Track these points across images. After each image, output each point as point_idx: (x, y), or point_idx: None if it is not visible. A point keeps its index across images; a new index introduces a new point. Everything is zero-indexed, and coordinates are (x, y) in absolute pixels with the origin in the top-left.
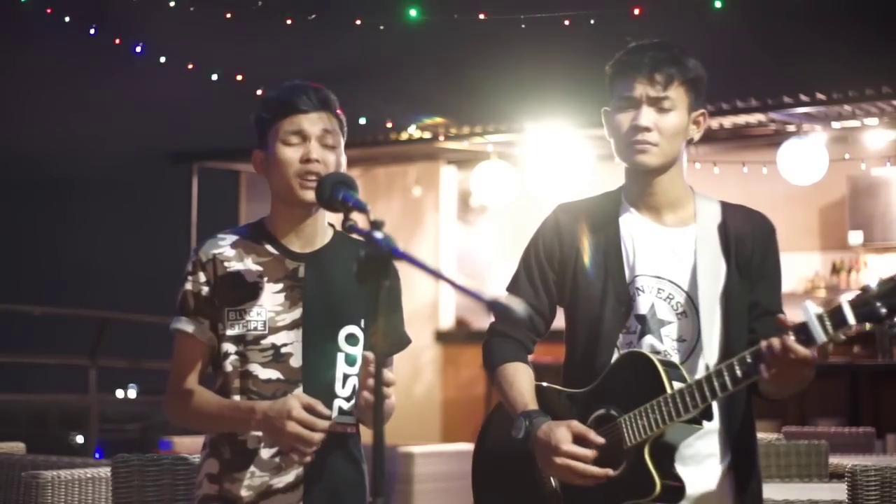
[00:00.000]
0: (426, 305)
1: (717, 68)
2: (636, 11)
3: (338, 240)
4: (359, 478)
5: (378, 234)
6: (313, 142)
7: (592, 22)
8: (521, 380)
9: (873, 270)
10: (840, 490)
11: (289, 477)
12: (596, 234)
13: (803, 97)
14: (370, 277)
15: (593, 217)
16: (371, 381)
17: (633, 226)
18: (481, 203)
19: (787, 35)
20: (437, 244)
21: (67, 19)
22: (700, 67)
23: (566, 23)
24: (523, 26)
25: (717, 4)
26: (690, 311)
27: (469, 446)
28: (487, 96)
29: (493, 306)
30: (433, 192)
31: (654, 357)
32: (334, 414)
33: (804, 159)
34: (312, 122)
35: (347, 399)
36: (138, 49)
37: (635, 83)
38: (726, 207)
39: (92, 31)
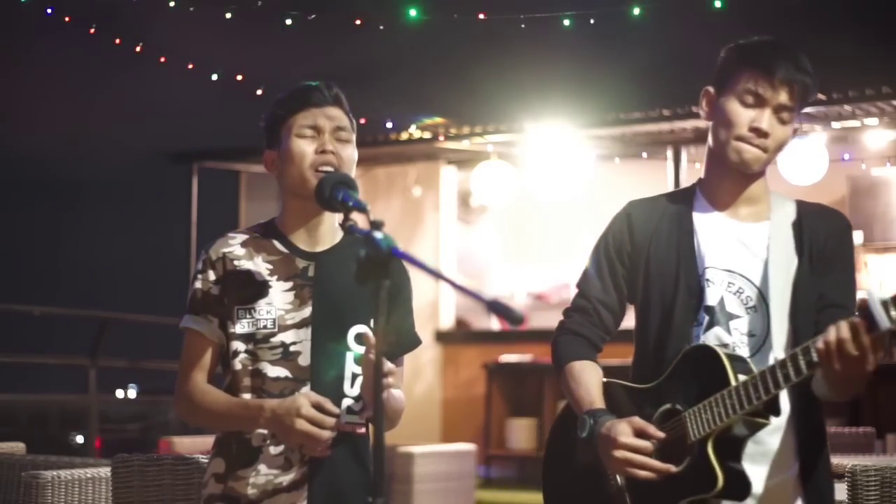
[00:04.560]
0: (426, 305)
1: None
2: (636, 11)
3: (348, 239)
4: (364, 478)
5: (378, 234)
6: (327, 135)
7: (592, 22)
8: (589, 378)
9: (873, 270)
10: (840, 490)
11: (293, 475)
12: (668, 227)
13: None
14: (370, 277)
15: (666, 211)
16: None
17: (706, 219)
18: (481, 203)
19: (787, 35)
20: (437, 244)
21: (67, 20)
22: (817, 86)
23: (566, 23)
24: (523, 26)
25: (717, 4)
26: (761, 306)
27: (468, 446)
28: (487, 96)
29: (493, 306)
30: (433, 192)
31: (720, 350)
32: (342, 413)
33: (804, 159)
34: (327, 117)
35: (356, 399)
36: (138, 49)
37: (769, 84)
38: (802, 205)
39: (92, 32)
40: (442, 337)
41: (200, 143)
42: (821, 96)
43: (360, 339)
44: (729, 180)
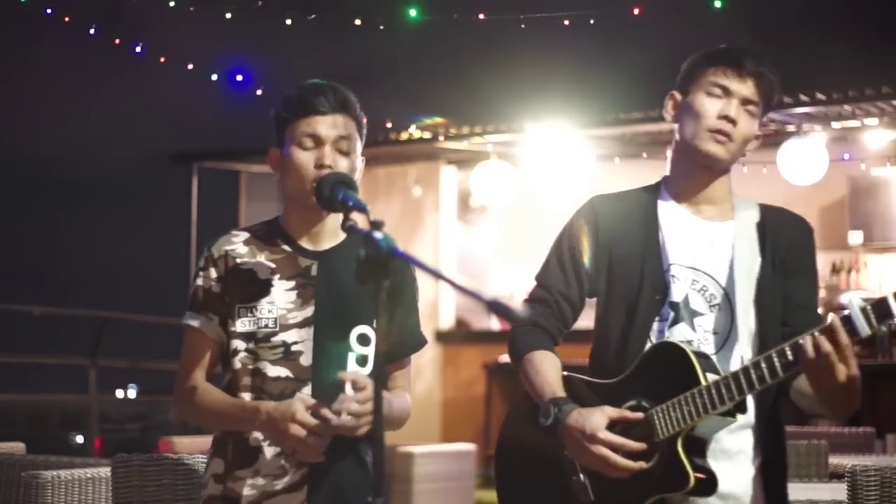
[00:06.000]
0: (426, 305)
1: None
2: (636, 11)
3: (352, 239)
4: (364, 479)
5: (378, 234)
6: (327, 147)
7: (592, 22)
8: (549, 367)
9: (873, 270)
10: (840, 490)
11: (293, 477)
12: (634, 223)
13: (803, 97)
14: (370, 277)
15: (631, 207)
16: (353, 406)
17: (671, 215)
18: (481, 203)
19: (787, 35)
20: (437, 244)
21: (67, 20)
22: (779, 91)
23: (566, 23)
24: (523, 26)
25: (717, 4)
26: (724, 304)
27: (468, 446)
28: (487, 96)
29: (493, 306)
30: (433, 192)
31: (687, 348)
32: (342, 415)
33: (804, 159)
34: (328, 126)
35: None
36: (138, 49)
37: (737, 78)
38: (765, 208)
39: (92, 32)
40: (442, 337)
41: (200, 143)
42: (820, 96)
43: (362, 339)
44: (694, 177)
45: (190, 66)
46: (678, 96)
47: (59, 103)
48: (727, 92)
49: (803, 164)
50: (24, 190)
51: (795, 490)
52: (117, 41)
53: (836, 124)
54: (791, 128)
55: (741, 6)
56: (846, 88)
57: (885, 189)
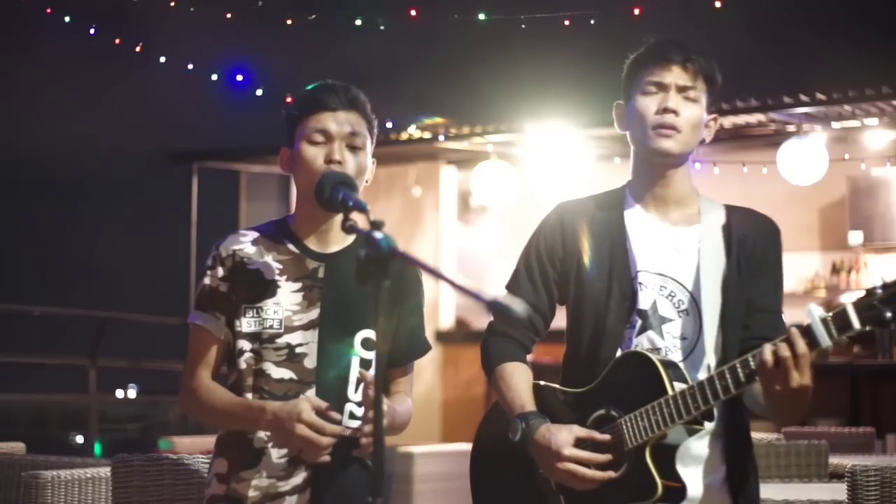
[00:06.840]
0: (426, 305)
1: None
2: (636, 11)
3: (359, 242)
4: (368, 481)
5: (378, 234)
6: (337, 142)
7: (592, 22)
8: (519, 380)
9: (873, 270)
10: (840, 490)
11: (297, 479)
12: (601, 230)
13: (803, 97)
14: (370, 278)
15: (597, 214)
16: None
17: (638, 221)
18: (481, 203)
19: (787, 35)
20: (437, 244)
21: (67, 20)
22: (718, 70)
23: (566, 23)
24: (523, 26)
25: (717, 4)
26: (693, 309)
27: (469, 446)
28: (487, 96)
29: (493, 306)
30: (433, 192)
31: (654, 357)
32: (345, 417)
33: (804, 159)
34: (339, 122)
35: (360, 403)
36: (138, 49)
37: (666, 70)
38: (731, 210)
39: (92, 32)
40: (442, 337)
41: (200, 143)
42: (821, 96)
43: (367, 343)
44: (654, 176)
45: (190, 66)
46: (622, 104)
47: (60, 103)
48: (661, 86)
49: (803, 164)
50: (23, 190)
51: (795, 490)
52: (117, 41)
53: (836, 124)
54: (791, 128)
55: (741, 6)
56: (846, 88)
57: (885, 189)
